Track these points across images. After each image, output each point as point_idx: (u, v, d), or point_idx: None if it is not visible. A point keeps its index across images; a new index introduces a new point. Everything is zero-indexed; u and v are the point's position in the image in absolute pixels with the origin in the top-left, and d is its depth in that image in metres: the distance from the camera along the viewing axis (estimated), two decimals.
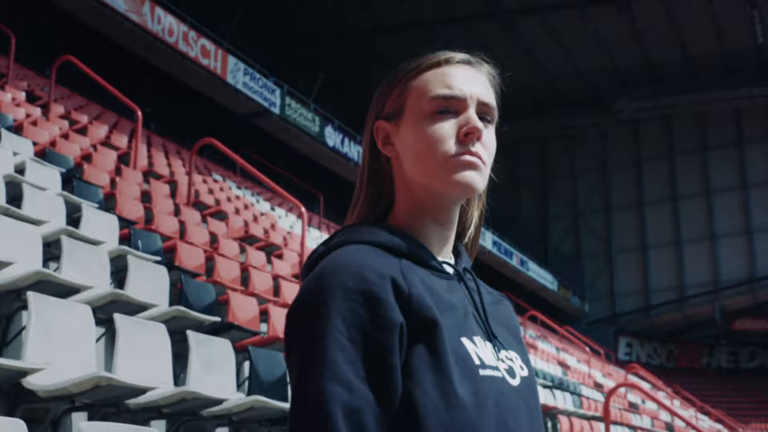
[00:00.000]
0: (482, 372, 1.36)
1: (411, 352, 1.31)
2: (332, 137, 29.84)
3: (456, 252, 1.58)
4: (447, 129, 1.45)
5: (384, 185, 1.56)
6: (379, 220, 1.55)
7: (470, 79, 1.49)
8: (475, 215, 1.64)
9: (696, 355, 43.39)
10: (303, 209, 11.41)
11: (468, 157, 1.44)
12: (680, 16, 31.21)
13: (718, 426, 28.25)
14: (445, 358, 1.32)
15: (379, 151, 1.55)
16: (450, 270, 1.50)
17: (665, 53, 34.43)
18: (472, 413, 1.30)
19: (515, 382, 1.43)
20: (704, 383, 39.97)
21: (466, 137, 1.44)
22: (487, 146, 1.47)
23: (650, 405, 22.38)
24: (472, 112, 1.46)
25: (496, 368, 1.40)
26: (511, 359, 1.46)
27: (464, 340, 1.37)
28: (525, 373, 1.48)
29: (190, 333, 5.66)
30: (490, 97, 1.51)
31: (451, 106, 1.46)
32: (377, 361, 1.28)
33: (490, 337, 1.46)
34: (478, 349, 1.39)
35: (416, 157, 1.46)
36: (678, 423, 21.83)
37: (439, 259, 1.50)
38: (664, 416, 21.95)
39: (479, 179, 1.45)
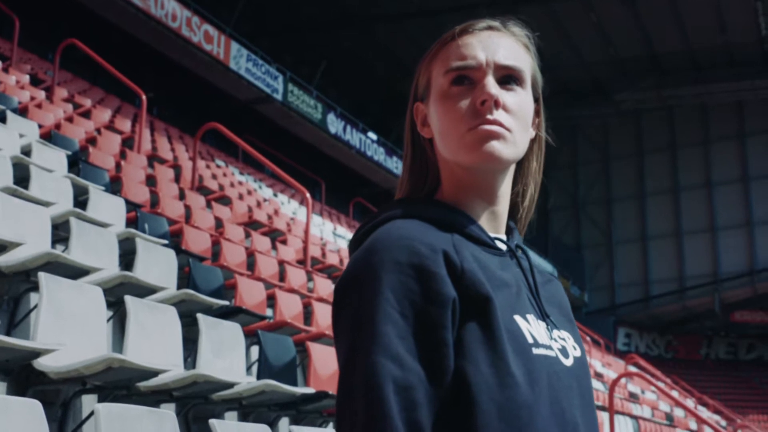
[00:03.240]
0: (535, 351, 1.32)
1: (463, 328, 1.27)
2: (334, 124, 29.80)
3: (508, 228, 1.55)
4: (463, 101, 1.40)
5: (427, 166, 1.53)
6: (429, 195, 1.52)
7: (489, 45, 1.44)
8: (530, 188, 1.59)
9: (694, 347, 43.43)
10: (308, 195, 11.38)
11: (486, 127, 1.38)
12: (684, 7, 31.12)
13: (716, 417, 28.28)
14: (498, 335, 1.28)
15: (419, 133, 1.52)
16: (502, 246, 1.46)
17: (668, 45, 34.34)
18: (525, 392, 1.26)
19: (568, 362, 1.39)
20: (702, 374, 40.04)
21: (483, 105, 1.39)
22: (512, 111, 1.41)
23: (649, 395, 22.39)
24: (488, 79, 1.40)
25: (550, 347, 1.36)
26: (563, 339, 1.43)
27: (517, 318, 1.33)
28: (578, 353, 1.44)
29: (200, 316, 5.63)
30: (515, 59, 1.44)
31: (468, 76, 1.42)
32: (429, 336, 1.24)
33: (543, 316, 1.42)
34: (531, 327, 1.35)
35: (442, 134, 1.44)
36: (678, 413, 21.86)
37: (491, 235, 1.46)
38: (664, 406, 21.96)
39: (502, 147, 1.39)
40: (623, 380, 19.92)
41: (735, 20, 31.79)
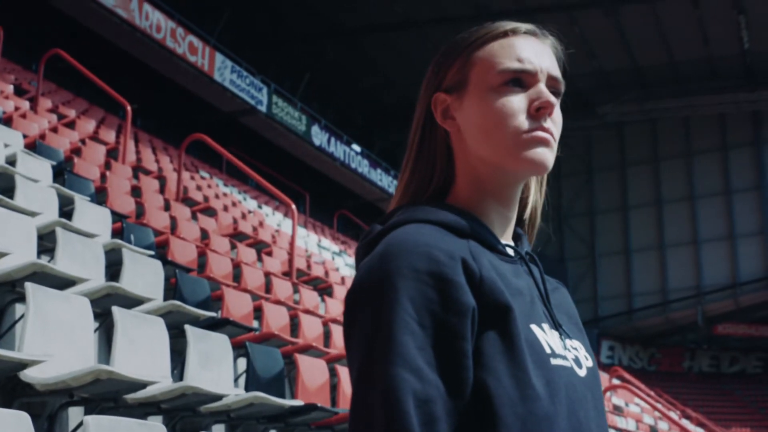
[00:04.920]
0: (553, 361, 1.28)
1: (482, 338, 1.24)
2: (319, 136, 29.79)
3: (515, 235, 1.51)
4: (517, 103, 1.37)
5: (438, 161, 1.46)
6: (436, 197, 1.46)
7: (539, 52, 1.43)
8: (535, 196, 1.58)
9: (677, 359, 43.45)
10: (294, 207, 11.35)
11: (540, 133, 1.37)
12: (667, 20, 31.24)
13: (700, 430, 28.29)
14: (519, 345, 1.24)
15: (434, 126, 1.46)
16: (512, 253, 1.42)
17: (652, 57, 34.45)
18: (546, 404, 1.23)
19: (582, 372, 1.35)
20: (685, 387, 40.03)
21: (538, 112, 1.37)
22: (556, 123, 1.41)
23: (633, 408, 22.38)
24: (543, 86, 1.39)
25: (565, 358, 1.32)
26: (576, 349, 1.39)
27: (534, 327, 1.30)
28: (590, 363, 1.41)
29: (188, 327, 5.57)
30: (558, 71, 1.44)
31: (522, 79, 1.39)
32: (449, 347, 1.20)
33: (556, 325, 1.38)
34: (548, 337, 1.32)
35: (483, 132, 1.38)
36: (662, 426, 21.86)
37: (502, 241, 1.42)
38: (648, 419, 21.96)
39: (551, 156, 1.38)
40: (608, 393, 19.91)
41: (718, 34, 31.93)
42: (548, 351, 1.29)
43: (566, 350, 1.35)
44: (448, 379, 1.19)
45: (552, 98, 1.38)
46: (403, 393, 1.15)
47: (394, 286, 1.21)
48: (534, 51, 1.42)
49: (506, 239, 1.46)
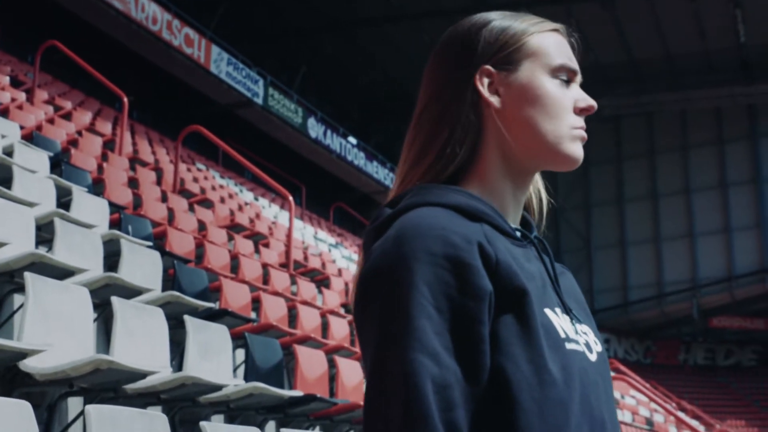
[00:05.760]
0: (568, 346, 1.27)
1: (498, 322, 1.22)
2: (315, 129, 29.75)
3: (523, 220, 1.50)
4: (568, 99, 1.42)
5: (468, 139, 1.40)
6: (449, 178, 1.41)
7: (573, 54, 1.48)
8: (537, 184, 1.58)
9: (673, 352, 43.49)
10: (291, 199, 11.34)
11: (582, 132, 1.42)
12: (663, 14, 31.23)
13: (695, 422, 28.34)
14: (535, 329, 1.23)
15: (472, 100, 1.40)
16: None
17: (648, 51, 34.45)
18: (562, 389, 1.21)
19: (593, 357, 1.34)
20: (680, 380, 40.09)
21: (581, 112, 1.42)
22: None
23: (629, 400, 22.41)
24: (578, 87, 1.45)
25: (578, 342, 1.31)
26: (585, 333, 1.37)
27: (547, 312, 1.28)
28: (599, 348, 1.39)
29: (187, 318, 5.56)
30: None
31: (570, 78, 1.44)
32: (466, 332, 1.19)
33: (567, 309, 1.36)
34: (561, 321, 1.30)
35: (534, 118, 1.39)
36: (657, 418, 21.89)
37: (512, 225, 1.41)
38: (644, 411, 21.98)
39: (582, 154, 1.43)
40: None
41: (714, 27, 31.93)
42: (563, 335, 1.27)
43: (578, 335, 1.33)
44: (466, 364, 1.17)
45: (594, 102, 1.45)
46: (421, 378, 1.13)
47: (410, 269, 1.19)
48: (572, 52, 1.48)
49: (516, 224, 1.45)
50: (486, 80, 1.41)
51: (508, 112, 1.40)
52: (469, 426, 1.16)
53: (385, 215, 1.35)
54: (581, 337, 1.34)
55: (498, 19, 1.46)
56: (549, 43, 1.43)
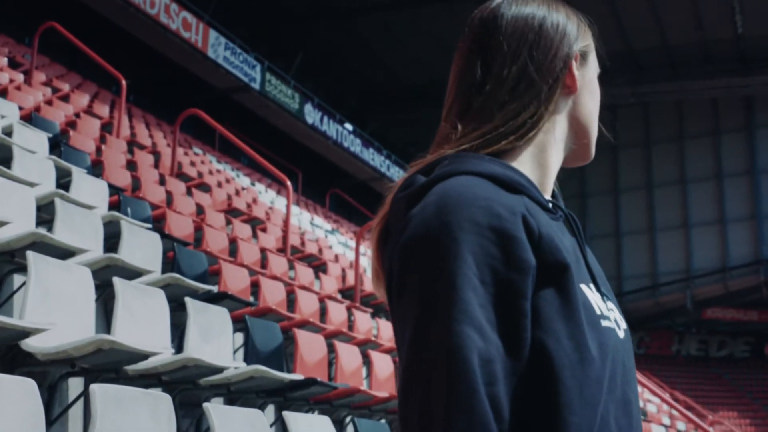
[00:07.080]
0: (603, 323, 1.25)
1: (539, 297, 1.19)
2: (311, 115, 29.69)
3: (552, 194, 1.47)
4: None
5: (547, 114, 1.38)
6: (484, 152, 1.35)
7: None
8: None
9: (666, 343, 43.61)
10: (289, 184, 11.32)
11: None
12: (661, 4, 31.20)
13: (688, 413, 28.41)
14: (576, 305, 1.20)
15: (559, 80, 1.39)
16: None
17: (645, 41, 34.41)
18: (599, 367, 1.19)
19: (621, 334, 1.31)
20: (674, 371, 40.21)
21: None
22: None
23: None
24: None
25: (609, 319, 1.28)
26: (612, 310, 1.34)
27: (584, 287, 1.26)
28: (625, 325, 1.36)
29: (188, 300, 5.54)
30: None
31: None
32: (509, 306, 1.16)
33: (597, 286, 1.33)
34: (595, 297, 1.28)
35: (594, 114, 1.47)
36: (650, 408, 21.94)
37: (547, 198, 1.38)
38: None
39: None
40: None
41: (711, 18, 31.91)
42: (598, 312, 1.25)
43: (609, 311, 1.31)
44: (508, 338, 1.15)
45: None
46: (468, 351, 1.10)
47: (455, 239, 1.16)
48: None
49: (548, 196, 1.42)
50: (574, 65, 1.42)
51: (579, 100, 1.44)
52: (509, 401, 1.13)
53: (420, 183, 1.30)
54: (612, 314, 1.32)
55: (572, 14, 1.50)
56: (593, 49, 1.50)
